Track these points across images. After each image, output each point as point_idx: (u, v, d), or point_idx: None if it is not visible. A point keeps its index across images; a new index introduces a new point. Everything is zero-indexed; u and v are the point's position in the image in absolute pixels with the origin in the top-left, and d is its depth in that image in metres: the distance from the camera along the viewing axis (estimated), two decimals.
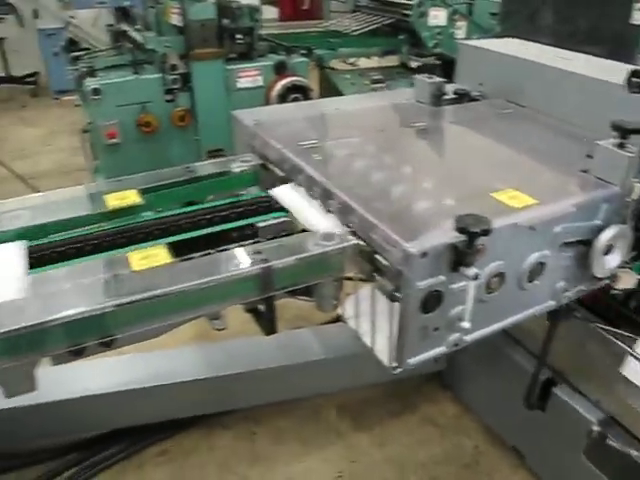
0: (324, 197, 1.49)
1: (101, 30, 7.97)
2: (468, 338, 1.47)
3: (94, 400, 2.23)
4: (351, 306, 1.85)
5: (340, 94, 4.53)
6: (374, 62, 5.33)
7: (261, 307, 1.36)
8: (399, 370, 1.71)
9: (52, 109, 7.31)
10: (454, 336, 1.43)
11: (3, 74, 8.02)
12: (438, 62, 4.03)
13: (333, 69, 4.85)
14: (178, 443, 2.39)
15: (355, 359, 2.43)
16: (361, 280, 1.57)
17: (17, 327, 1.09)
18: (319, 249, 1.27)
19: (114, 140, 3.38)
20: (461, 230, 1.20)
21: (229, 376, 2.35)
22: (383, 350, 1.81)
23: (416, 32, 4.69)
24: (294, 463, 2.31)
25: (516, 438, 2.38)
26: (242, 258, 1.22)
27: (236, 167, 1.77)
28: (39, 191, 4.80)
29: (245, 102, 3.63)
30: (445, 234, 1.23)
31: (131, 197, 1.52)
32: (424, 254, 1.19)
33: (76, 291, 1.21)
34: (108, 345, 1.20)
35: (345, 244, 1.31)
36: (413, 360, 1.41)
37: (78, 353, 1.20)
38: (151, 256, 1.22)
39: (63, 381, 2.22)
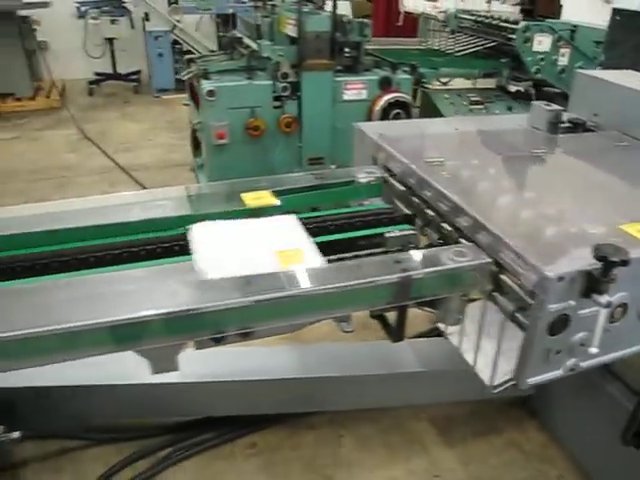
0: (453, 214, 1.55)
1: (203, 34, 8.37)
2: (584, 364, 1.48)
3: (193, 387, 2.35)
4: None
5: (439, 113, 4.57)
6: (468, 83, 5.34)
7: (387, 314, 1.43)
8: (500, 389, 1.74)
9: (152, 106, 7.66)
10: (571, 361, 1.45)
11: (110, 71, 8.46)
12: (558, 90, 4.00)
13: (427, 88, 4.89)
14: (266, 438, 2.47)
15: (446, 374, 2.47)
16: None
17: (173, 310, 1.18)
18: (455, 264, 1.32)
19: (223, 141, 3.53)
20: (600, 258, 1.22)
21: (320, 378, 2.42)
22: (485, 369, 1.84)
23: (518, 56, 4.67)
24: (379, 471, 2.35)
25: (604, 473, 2.34)
26: (383, 265, 1.29)
27: (362, 177, 1.84)
28: (141, 183, 5.07)
29: (348, 114, 3.74)
30: (581, 261, 1.26)
31: (267, 198, 1.62)
32: (561, 278, 1.23)
33: (222, 282, 1.30)
34: (246, 336, 1.29)
35: (480, 261, 1.35)
36: (532, 380, 1.44)
37: (219, 340, 1.29)
38: (296, 256, 1.30)
39: None
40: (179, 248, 1.52)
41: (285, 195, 1.72)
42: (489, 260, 1.38)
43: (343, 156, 3.75)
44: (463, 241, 1.52)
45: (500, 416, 2.66)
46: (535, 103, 2.36)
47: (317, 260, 1.35)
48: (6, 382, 2.11)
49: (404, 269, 1.28)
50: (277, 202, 1.62)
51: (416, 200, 1.76)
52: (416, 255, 1.37)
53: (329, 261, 1.41)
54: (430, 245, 1.60)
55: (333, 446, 2.44)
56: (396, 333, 1.43)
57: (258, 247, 1.44)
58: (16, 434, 2.09)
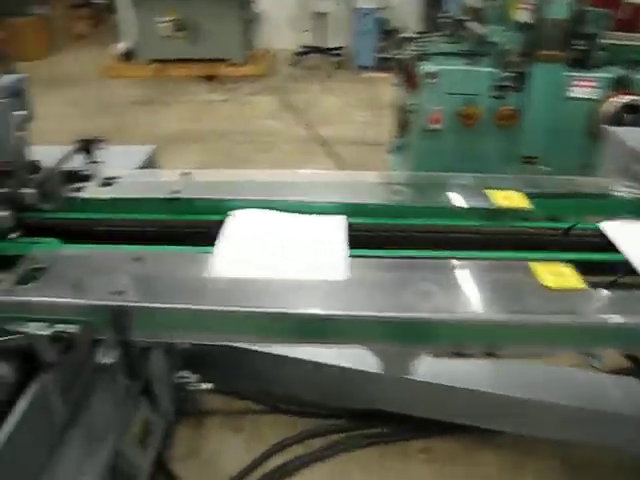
0: None
1: (409, 14, 8.29)
2: None
3: (377, 378, 2.26)
4: None
5: None
6: None
7: None
8: None
9: (352, 83, 7.68)
10: None
11: (315, 44, 8.61)
12: None
13: None
14: (442, 445, 2.33)
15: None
16: None
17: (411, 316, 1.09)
18: None
19: (436, 126, 3.38)
20: None
21: (511, 398, 2.21)
22: None
23: None
24: None
25: None
26: None
27: (618, 191, 1.60)
28: (340, 156, 5.09)
29: (571, 113, 3.41)
30: None
31: (516, 199, 1.45)
32: None
33: (469, 290, 1.17)
34: (491, 354, 1.16)
35: None
36: None
37: (459, 355, 1.17)
38: (561, 275, 1.13)
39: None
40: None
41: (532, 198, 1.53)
42: None
43: (557, 159, 3.43)
44: None
45: None
46: None
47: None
48: None
49: None
50: (529, 205, 1.45)
51: None
52: None
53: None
54: None
55: (514, 472, 2.24)
56: None
57: None
58: (207, 385, 2.15)
